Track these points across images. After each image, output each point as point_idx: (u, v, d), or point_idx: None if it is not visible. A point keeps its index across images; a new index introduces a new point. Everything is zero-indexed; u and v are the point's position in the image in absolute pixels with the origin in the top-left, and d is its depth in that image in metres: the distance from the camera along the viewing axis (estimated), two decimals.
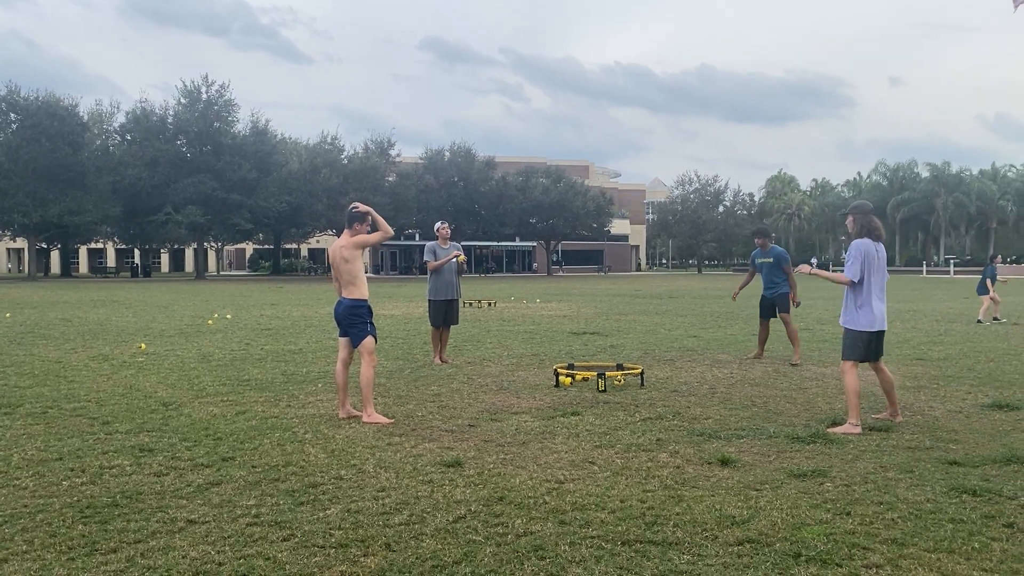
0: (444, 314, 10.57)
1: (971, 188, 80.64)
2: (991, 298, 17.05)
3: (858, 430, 6.19)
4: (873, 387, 7.97)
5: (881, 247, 6.54)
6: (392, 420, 6.69)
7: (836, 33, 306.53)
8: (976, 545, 3.78)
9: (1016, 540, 3.86)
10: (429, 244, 10.69)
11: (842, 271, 6.45)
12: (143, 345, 12.40)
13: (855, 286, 6.40)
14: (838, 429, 6.25)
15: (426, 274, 10.85)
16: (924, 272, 68.03)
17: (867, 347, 6.47)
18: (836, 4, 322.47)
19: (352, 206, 7.09)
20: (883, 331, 6.54)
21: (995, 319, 16.90)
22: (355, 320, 6.83)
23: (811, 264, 6.98)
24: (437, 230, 10.78)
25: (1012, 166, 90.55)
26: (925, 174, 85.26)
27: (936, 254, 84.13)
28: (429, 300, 10.70)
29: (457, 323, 10.91)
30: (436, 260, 10.52)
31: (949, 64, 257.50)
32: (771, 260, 10.66)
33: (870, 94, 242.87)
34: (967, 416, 6.85)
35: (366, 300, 6.90)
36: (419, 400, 7.67)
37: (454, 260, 10.56)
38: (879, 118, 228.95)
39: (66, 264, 66.17)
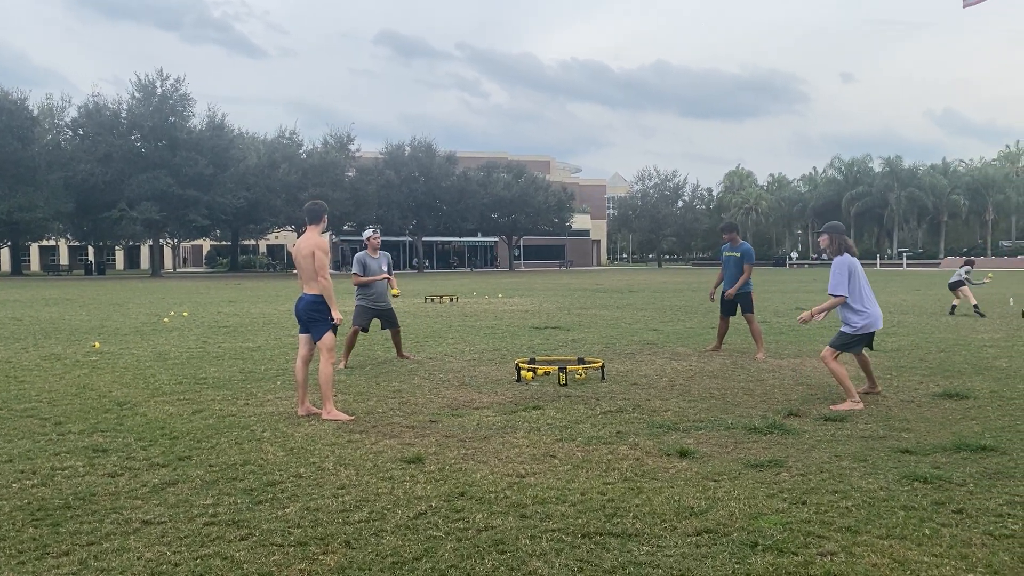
0: (370, 319, 10.19)
1: (924, 183, 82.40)
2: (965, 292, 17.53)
3: (860, 405, 6.81)
4: (828, 378, 8.12)
5: (857, 260, 7.18)
6: (352, 416, 6.66)
7: (788, 30, 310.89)
8: (927, 531, 3.87)
9: (965, 526, 3.96)
10: (358, 255, 10.11)
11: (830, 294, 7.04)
12: (97, 344, 12.16)
13: (852, 296, 6.98)
14: (842, 407, 6.79)
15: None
16: (878, 265, 69.38)
17: (861, 343, 7.17)
18: (787, 1, 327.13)
19: (312, 202, 7.10)
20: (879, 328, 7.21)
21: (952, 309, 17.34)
22: (316, 316, 6.77)
23: (808, 314, 7.18)
24: (367, 240, 10.14)
25: (962, 161, 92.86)
26: (879, 169, 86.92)
27: (890, 247, 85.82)
28: (357, 304, 10.21)
29: (399, 327, 10.50)
30: (365, 275, 10.04)
31: (899, 61, 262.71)
32: (738, 255, 10.57)
33: (823, 90, 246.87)
34: (919, 405, 7.00)
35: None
36: (380, 396, 7.63)
37: (382, 270, 10.11)
38: (832, 114, 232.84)
39: (16, 262, 64.50)
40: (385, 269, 10.24)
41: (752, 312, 10.60)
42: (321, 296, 6.76)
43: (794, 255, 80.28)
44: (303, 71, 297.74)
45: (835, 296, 6.96)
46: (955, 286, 17.77)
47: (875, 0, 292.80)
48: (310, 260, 6.73)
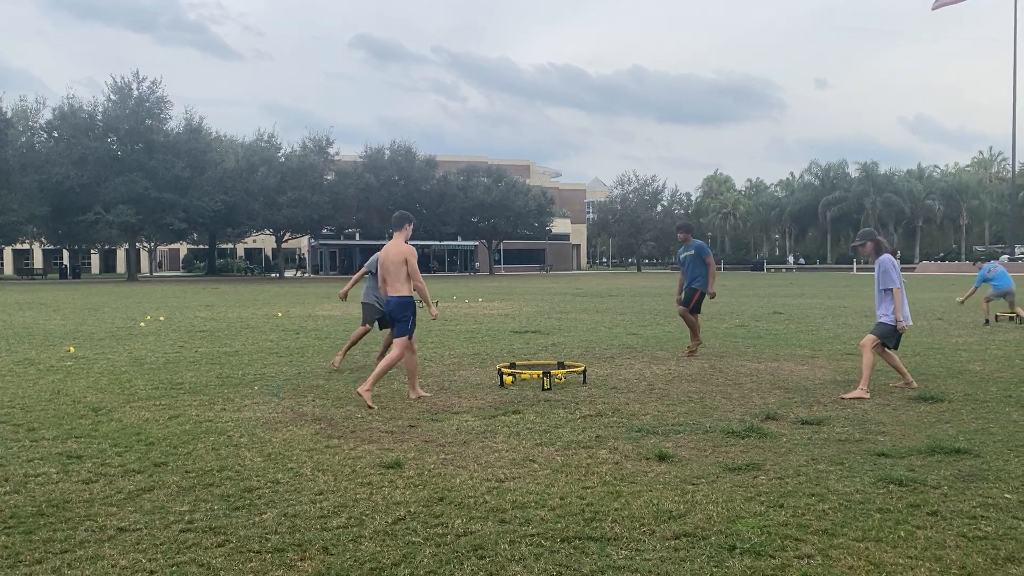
0: (377, 316, 9.86)
1: (900, 188, 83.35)
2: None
3: (868, 395, 7.53)
4: (805, 381, 8.17)
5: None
6: (429, 394, 7.79)
7: (763, 36, 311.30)
8: (902, 533, 3.91)
9: (939, 528, 4.00)
10: (377, 254, 9.49)
11: (885, 288, 7.95)
12: (71, 349, 12.02)
13: (898, 291, 7.84)
14: (851, 394, 7.56)
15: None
16: (854, 269, 69.97)
17: (897, 337, 7.93)
18: (761, 7, 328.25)
19: (399, 211, 7.99)
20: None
21: None
22: (403, 315, 7.55)
23: (901, 322, 7.87)
24: None
25: (936, 166, 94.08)
26: (855, 174, 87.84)
27: None
28: (362, 303, 10.04)
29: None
30: (376, 279, 9.49)
31: (872, 67, 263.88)
32: (692, 252, 10.99)
33: (798, 96, 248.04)
34: (894, 409, 7.07)
35: (412, 296, 7.69)
36: (359, 401, 7.59)
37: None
38: (808, 119, 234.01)
39: None
40: None
41: (698, 311, 10.97)
42: (409, 297, 7.60)
43: (791, 259, 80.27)
44: (279, 74, 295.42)
45: (896, 289, 7.80)
46: None
47: (848, 8, 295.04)
48: (401, 266, 7.53)
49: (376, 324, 10.22)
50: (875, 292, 8.18)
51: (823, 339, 12.85)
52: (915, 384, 8.06)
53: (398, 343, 7.63)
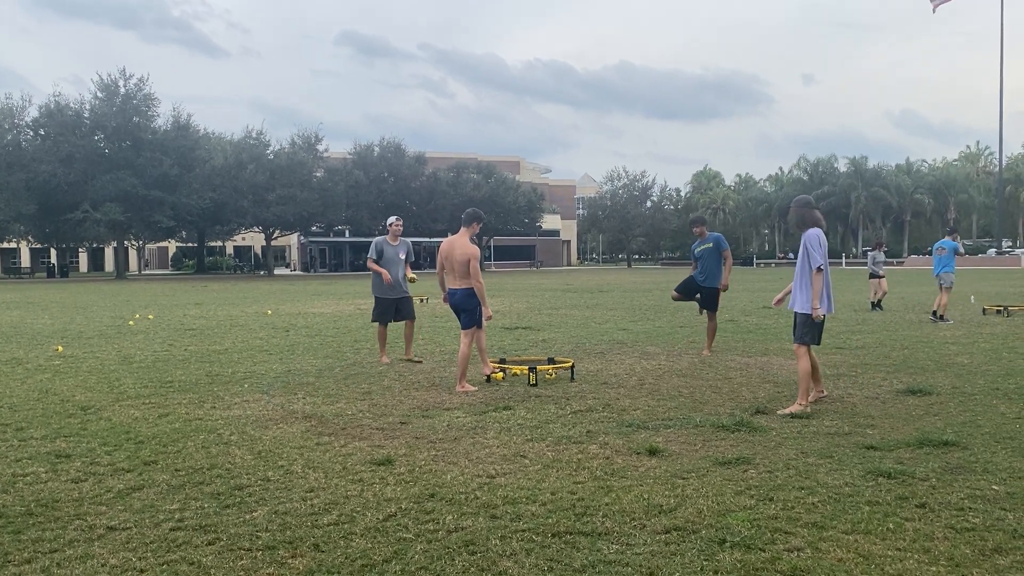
0: (393, 311, 10.21)
1: (888, 182, 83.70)
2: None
3: (809, 409, 6.61)
4: (796, 375, 8.20)
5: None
6: (476, 388, 7.88)
7: (748, 32, 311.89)
8: (891, 525, 3.94)
9: (927, 520, 4.02)
10: (377, 240, 10.24)
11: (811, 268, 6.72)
12: (60, 347, 11.96)
13: (819, 272, 6.65)
14: (789, 409, 6.61)
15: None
16: (843, 264, 70.29)
17: (821, 330, 6.90)
18: (747, 2, 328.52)
19: (471, 208, 8.38)
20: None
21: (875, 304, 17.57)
22: (467, 306, 8.03)
23: (817, 309, 6.68)
24: (389, 225, 10.36)
25: (924, 161, 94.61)
26: (844, 169, 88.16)
27: (855, 246, 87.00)
28: (375, 296, 10.28)
29: (414, 317, 10.45)
30: (381, 259, 10.10)
31: (858, 62, 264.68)
32: (711, 245, 10.57)
33: (785, 91, 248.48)
34: (883, 402, 7.11)
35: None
36: (349, 398, 7.58)
37: (399, 259, 10.20)
38: (795, 114, 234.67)
39: None
40: (403, 256, 10.35)
41: (715, 311, 10.67)
42: (472, 288, 7.98)
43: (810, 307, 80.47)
44: (266, 71, 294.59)
45: (818, 271, 6.60)
46: (875, 275, 17.79)
47: (834, 3, 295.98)
48: (465, 264, 7.93)
49: (394, 316, 10.23)
50: (796, 273, 6.90)
51: None
52: (825, 392, 7.26)
53: (465, 334, 8.09)
